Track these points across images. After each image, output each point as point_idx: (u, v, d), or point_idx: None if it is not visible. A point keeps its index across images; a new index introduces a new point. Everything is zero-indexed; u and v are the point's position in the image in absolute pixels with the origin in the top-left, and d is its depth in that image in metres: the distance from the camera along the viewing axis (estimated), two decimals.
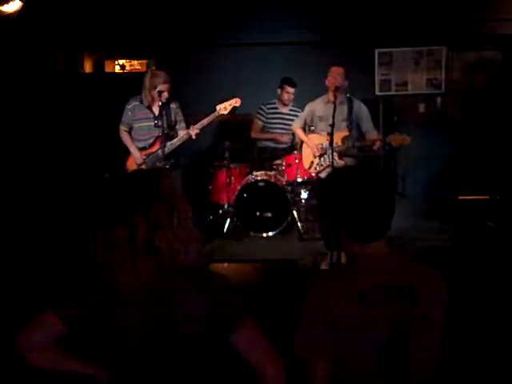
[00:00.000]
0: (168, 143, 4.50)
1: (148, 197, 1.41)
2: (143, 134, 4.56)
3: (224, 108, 4.61)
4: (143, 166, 4.53)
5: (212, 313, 1.40)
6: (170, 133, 4.58)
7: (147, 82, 4.47)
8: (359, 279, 1.47)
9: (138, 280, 1.38)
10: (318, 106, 4.76)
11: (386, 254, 1.54)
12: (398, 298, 1.45)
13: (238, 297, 1.45)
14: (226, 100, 4.63)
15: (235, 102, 4.62)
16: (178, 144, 4.58)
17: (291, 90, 5.52)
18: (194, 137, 4.54)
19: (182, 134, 4.61)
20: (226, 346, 1.43)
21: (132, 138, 4.59)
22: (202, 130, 4.61)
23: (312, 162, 4.81)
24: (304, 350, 1.43)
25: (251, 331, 1.44)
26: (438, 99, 6.72)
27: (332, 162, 4.24)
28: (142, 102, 4.54)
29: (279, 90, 5.60)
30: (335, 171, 1.69)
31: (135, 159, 4.56)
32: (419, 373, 1.47)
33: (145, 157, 4.57)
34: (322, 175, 4.68)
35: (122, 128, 4.59)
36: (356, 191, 1.50)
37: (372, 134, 4.71)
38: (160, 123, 4.42)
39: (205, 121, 4.57)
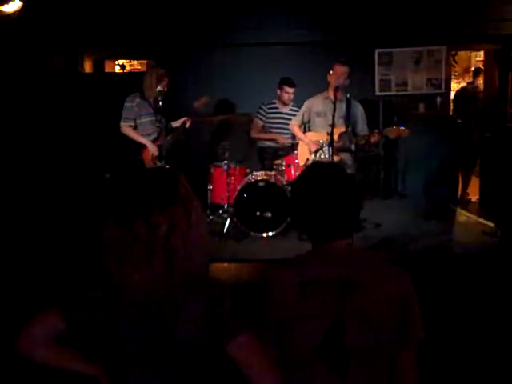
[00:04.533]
0: (168, 136, 4.72)
1: (168, 196, 1.40)
2: (148, 129, 4.66)
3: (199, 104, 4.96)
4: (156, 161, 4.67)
5: (210, 320, 1.39)
6: (167, 126, 4.80)
7: (154, 75, 4.59)
8: (304, 271, 1.52)
9: (152, 280, 1.36)
10: (317, 102, 4.76)
11: (344, 251, 1.56)
12: (341, 292, 1.47)
13: (236, 306, 1.44)
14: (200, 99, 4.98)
15: (206, 99, 5.00)
16: (176, 135, 4.84)
17: (290, 90, 5.52)
18: (187, 125, 4.87)
19: (175, 125, 4.90)
20: (223, 355, 1.43)
21: None
22: (202, 129, 4.75)
23: (307, 159, 4.81)
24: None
25: (247, 342, 1.41)
26: (438, 99, 6.72)
27: (331, 159, 4.25)
28: (142, 98, 4.62)
29: (278, 91, 5.61)
30: (299, 176, 1.72)
31: (152, 151, 4.61)
32: (360, 369, 1.47)
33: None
34: None
35: (126, 124, 4.60)
36: (305, 196, 1.57)
37: (364, 133, 4.72)
38: (160, 118, 4.64)
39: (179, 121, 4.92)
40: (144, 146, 4.60)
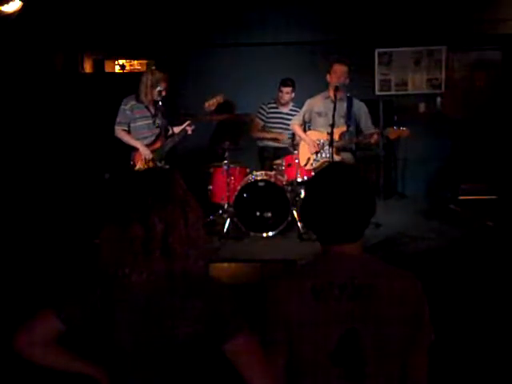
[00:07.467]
0: (168, 140, 4.63)
1: (164, 196, 1.40)
2: (144, 132, 4.61)
3: (211, 104, 4.78)
4: (150, 164, 4.60)
5: (209, 320, 1.39)
6: (167, 129, 4.71)
7: (149, 80, 4.52)
8: (316, 276, 1.50)
9: (151, 280, 1.37)
10: (317, 102, 4.76)
11: (354, 255, 1.54)
12: (355, 296, 1.46)
13: (235, 306, 1.44)
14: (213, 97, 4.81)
15: (219, 98, 4.80)
16: (177, 140, 4.70)
17: (286, 89, 5.52)
18: (189, 132, 4.71)
19: (177, 130, 4.75)
20: (220, 354, 1.42)
21: None
22: (202, 129, 4.70)
23: (308, 159, 4.82)
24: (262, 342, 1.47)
25: (246, 342, 1.42)
26: (438, 99, 6.72)
27: (331, 158, 4.25)
28: (138, 101, 4.57)
29: (278, 91, 5.62)
30: (314, 175, 1.69)
31: (145, 155, 4.57)
32: (377, 373, 1.47)
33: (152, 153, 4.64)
34: None
35: (120, 128, 4.59)
36: (318, 196, 1.54)
37: (370, 130, 4.72)
38: (159, 121, 4.55)
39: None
40: (137, 150, 4.58)
